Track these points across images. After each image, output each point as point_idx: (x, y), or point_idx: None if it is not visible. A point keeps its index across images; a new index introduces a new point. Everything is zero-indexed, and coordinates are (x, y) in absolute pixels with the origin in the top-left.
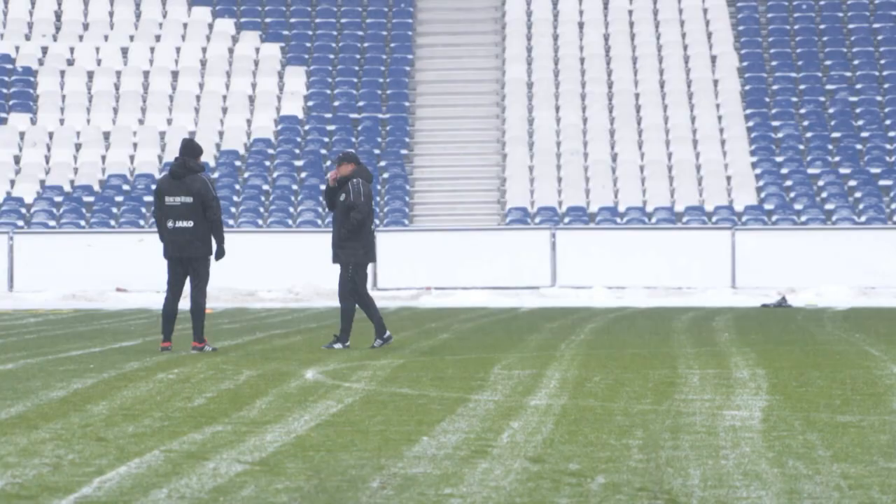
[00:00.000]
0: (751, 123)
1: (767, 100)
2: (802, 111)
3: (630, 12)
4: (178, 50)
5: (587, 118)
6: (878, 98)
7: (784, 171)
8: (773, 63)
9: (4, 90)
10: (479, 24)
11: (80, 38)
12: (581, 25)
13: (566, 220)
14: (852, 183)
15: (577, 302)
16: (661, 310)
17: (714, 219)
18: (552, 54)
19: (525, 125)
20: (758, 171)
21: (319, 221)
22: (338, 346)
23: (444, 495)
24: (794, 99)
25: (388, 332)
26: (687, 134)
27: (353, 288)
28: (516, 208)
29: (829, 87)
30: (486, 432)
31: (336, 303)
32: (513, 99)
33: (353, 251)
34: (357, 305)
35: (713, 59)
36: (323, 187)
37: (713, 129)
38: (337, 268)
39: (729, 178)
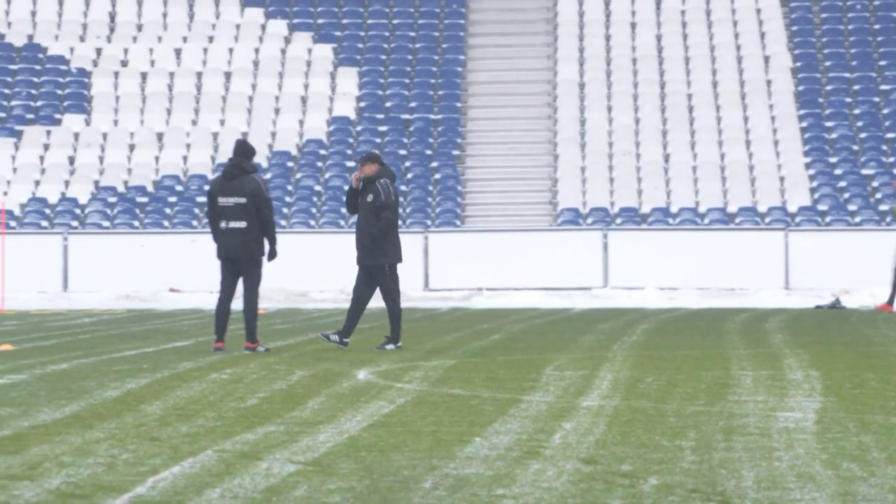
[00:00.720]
0: (804, 124)
1: (821, 100)
2: (856, 111)
3: (683, 13)
4: (230, 51)
5: (639, 119)
6: None
7: (838, 171)
8: (827, 63)
9: (59, 91)
10: (531, 25)
11: (134, 39)
12: (633, 26)
13: (618, 220)
14: None
15: (629, 303)
16: (714, 311)
17: (767, 220)
18: (604, 55)
19: (577, 126)
20: (811, 171)
21: None
22: (389, 346)
23: (496, 496)
24: (848, 99)
25: (348, 340)
26: (740, 134)
27: (392, 286)
28: (568, 209)
29: (883, 87)
30: (539, 433)
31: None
32: (565, 99)
33: (386, 251)
34: (356, 302)
35: (766, 59)
36: (347, 187)
37: (766, 129)
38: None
39: (782, 179)
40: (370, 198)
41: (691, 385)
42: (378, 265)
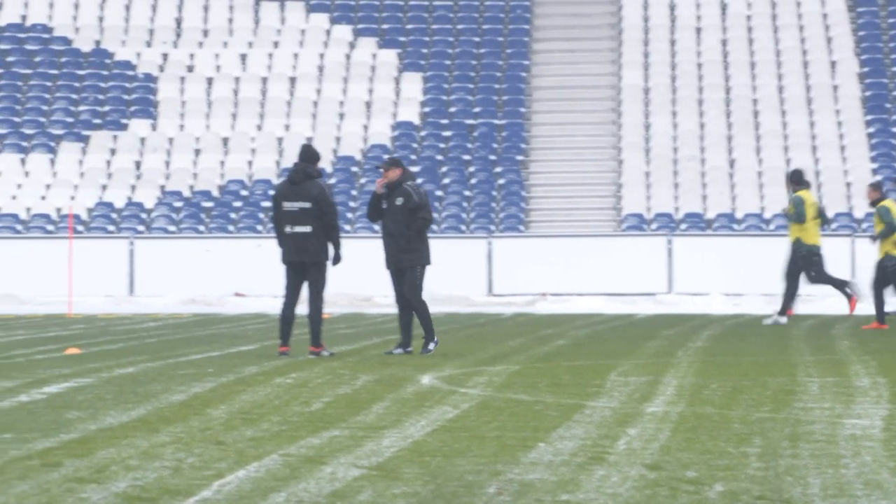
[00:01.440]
0: (871, 129)
1: (888, 105)
2: None
3: (748, 17)
4: (296, 56)
5: (704, 124)
6: None
7: None
8: (895, 69)
9: (126, 97)
10: (595, 30)
11: (200, 44)
12: (699, 31)
13: (682, 226)
14: None
15: (694, 309)
16: None
17: (833, 225)
18: (669, 60)
19: (641, 131)
20: (878, 177)
21: (435, 227)
22: (431, 346)
23: (560, 501)
24: None
25: (411, 348)
26: (806, 140)
27: (420, 287)
28: (632, 214)
29: None
30: (603, 439)
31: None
32: (629, 105)
33: (420, 253)
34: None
35: (833, 64)
36: (380, 189)
37: (832, 135)
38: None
39: (848, 185)
40: (400, 200)
41: (757, 391)
42: (412, 266)
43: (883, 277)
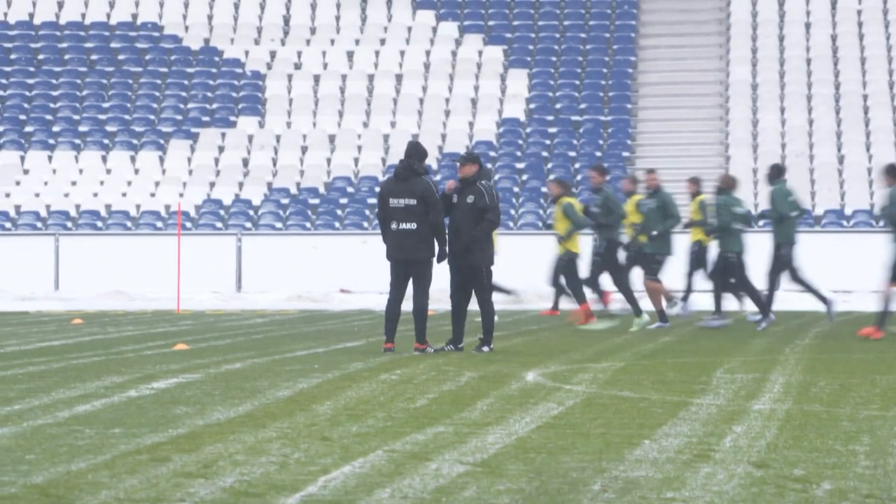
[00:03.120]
0: None
1: None
2: None
3: (859, 12)
4: (402, 53)
5: (813, 120)
6: None
7: None
8: None
9: (234, 94)
10: (703, 26)
11: (308, 42)
12: (808, 26)
13: None
14: None
15: (802, 306)
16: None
17: None
18: (778, 55)
19: (749, 127)
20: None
21: (540, 224)
22: (486, 349)
23: (665, 499)
24: None
25: (462, 345)
26: None
27: (489, 289)
28: None
29: None
30: (709, 436)
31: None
32: (737, 100)
33: (484, 254)
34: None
35: None
36: (450, 190)
37: None
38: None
39: None
40: (471, 199)
41: (865, 389)
42: (477, 267)
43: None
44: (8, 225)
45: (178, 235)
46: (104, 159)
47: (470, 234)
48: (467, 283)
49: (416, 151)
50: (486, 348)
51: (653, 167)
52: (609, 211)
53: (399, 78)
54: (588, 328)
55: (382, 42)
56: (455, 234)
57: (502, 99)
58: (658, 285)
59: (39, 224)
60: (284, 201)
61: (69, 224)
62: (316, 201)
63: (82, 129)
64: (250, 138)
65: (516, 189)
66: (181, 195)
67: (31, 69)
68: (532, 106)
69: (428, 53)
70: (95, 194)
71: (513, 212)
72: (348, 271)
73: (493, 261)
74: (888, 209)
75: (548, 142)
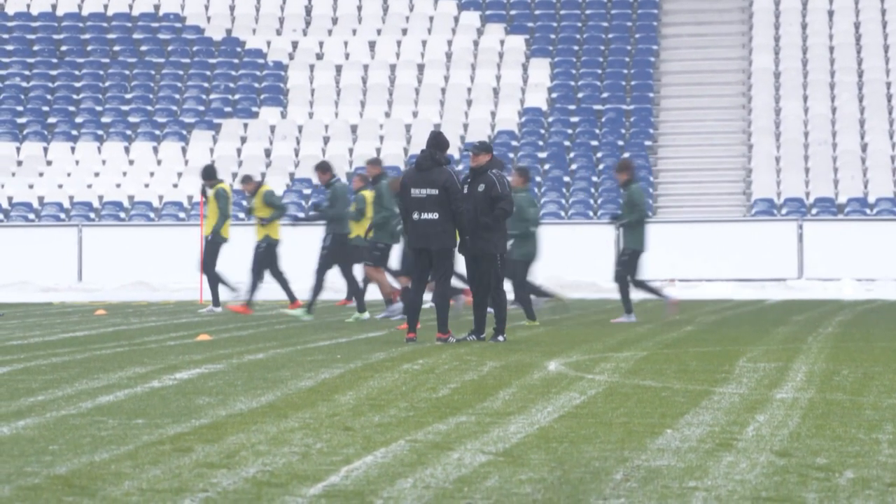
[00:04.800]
0: None
1: None
2: None
3: None
4: (423, 43)
5: (836, 108)
6: None
7: None
8: None
9: (256, 84)
10: (725, 14)
11: (329, 32)
12: (831, 14)
13: (813, 211)
14: None
15: (825, 294)
16: None
17: None
18: (800, 43)
19: (772, 115)
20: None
21: (563, 213)
22: (500, 338)
23: (688, 488)
24: None
25: (483, 335)
26: None
27: (500, 279)
28: (762, 199)
29: None
30: (731, 425)
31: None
32: (759, 88)
33: (496, 242)
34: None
35: None
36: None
37: None
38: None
39: None
40: (482, 187)
41: (889, 377)
42: (490, 253)
43: (264, 260)
44: (31, 216)
45: (200, 226)
46: (127, 150)
47: (481, 222)
48: (480, 271)
49: (437, 141)
50: (500, 338)
51: (376, 158)
52: (336, 205)
53: (421, 68)
54: (293, 313)
55: (404, 32)
56: (469, 221)
57: (524, 88)
58: (378, 273)
59: (63, 215)
60: (307, 191)
61: (92, 215)
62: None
63: (105, 120)
64: (272, 129)
65: (538, 178)
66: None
67: (54, 61)
68: (554, 95)
69: (450, 43)
70: (118, 185)
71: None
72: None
73: (504, 249)
74: None
75: (570, 131)
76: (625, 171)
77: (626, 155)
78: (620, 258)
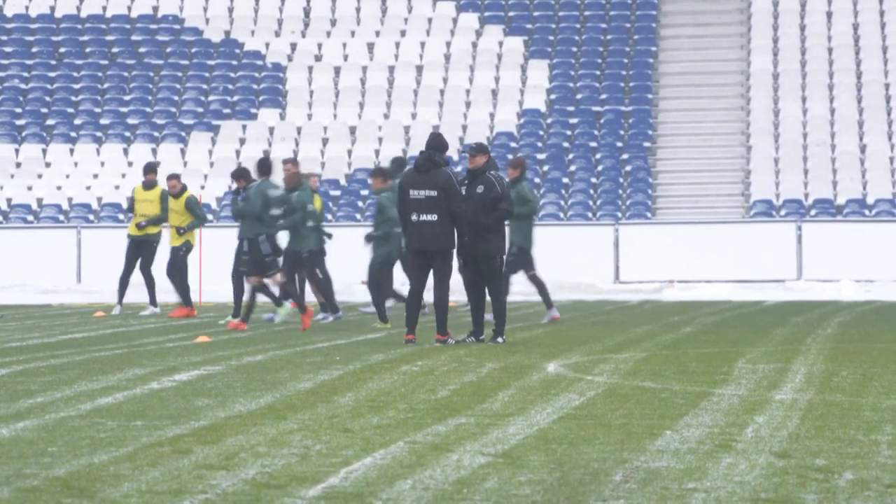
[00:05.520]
0: None
1: None
2: None
3: (881, 1)
4: (422, 45)
5: (835, 109)
6: None
7: None
8: None
9: (255, 86)
10: (724, 16)
11: (328, 33)
12: (829, 15)
13: (812, 212)
14: None
15: (824, 295)
16: None
17: None
18: (799, 45)
19: (770, 116)
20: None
21: (562, 214)
22: (500, 339)
23: (687, 490)
24: None
25: (483, 336)
26: None
27: (501, 279)
28: (761, 200)
29: None
30: (730, 427)
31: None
32: (758, 90)
33: (498, 243)
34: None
35: None
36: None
37: None
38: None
39: None
40: (480, 189)
41: (888, 379)
42: (491, 255)
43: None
44: (30, 218)
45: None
46: (126, 152)
47: (481, 224)
48: (480, 273)
49: (437, 143)
50: (499, 339)
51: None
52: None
53: (420, 69)
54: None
55: (403, 33)
56: (467, 222)
57: (523, 90)
58: (258, 281)
59: (61, 217)
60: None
61: (91, 217)
62: (337, 193)
63: (104, 121)
64: (271, 130)
65: (537, 180)
66: (203, 187)
67: (53, 62)
68: (553, 97)
69: (448, 44)
70: (117, 187)
71: None
72: (365, 264)
73: (503, 250)
74: None
75: (569, 132)
76: (518, 167)
77: (625, 157)
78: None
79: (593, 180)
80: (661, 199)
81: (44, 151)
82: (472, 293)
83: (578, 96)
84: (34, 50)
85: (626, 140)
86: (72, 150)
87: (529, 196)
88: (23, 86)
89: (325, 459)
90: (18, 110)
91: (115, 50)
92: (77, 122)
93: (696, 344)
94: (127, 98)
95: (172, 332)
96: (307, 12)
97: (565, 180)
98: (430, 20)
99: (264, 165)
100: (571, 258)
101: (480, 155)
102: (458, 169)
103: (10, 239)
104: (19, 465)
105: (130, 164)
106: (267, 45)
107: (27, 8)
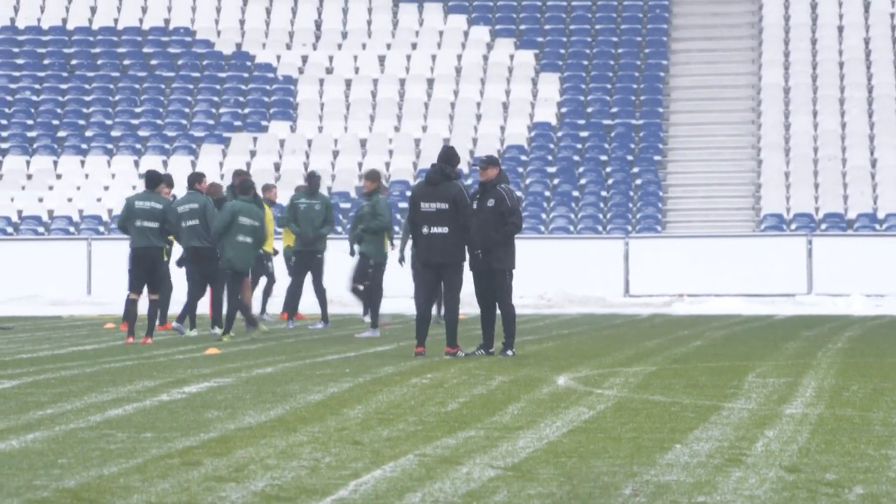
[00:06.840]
0: None
1: None
2: None
3: (892, 15)
4: (433, 58)
5: (846, 123)
6: None
7: None
8: None
9: (266, 98)
10: (735, 30)
11: (339, 46)
12: (840, 29)
13: (823, 226)
14: None
15: (835, 310)
16: None
17: None
18: (810, 59)
19: (781, 130)
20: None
21: (572, 228)
22: (510, 353)
23: (697, 503)
24: None
25: (493, 349)
26: None
27: (510, 291)
28: (771, 214)
29: None
30: (740, 441)
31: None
32: (769, 104)
33: (508, 257)
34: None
35: None
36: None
37: None
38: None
39: None
40: (491, 202)
41: None
42: (501, 269)
43: None
44: (41, 230)
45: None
46: (136, 164)
47: (490, 238)
48: (490, 286)
49: (448, 156)
50: (509, 352)
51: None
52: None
53: (430, 82)
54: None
55: (414, 46)
56: (476, 236)
57: (534, 103)
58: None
59: (72, 229)
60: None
61: (101, 229)
62: (347, 206)
63: (115, 133)
64: (282, 142)
65: (547, 193)
66: None
67: (64, 74)
68: (563, 110)
69: (459, 58)
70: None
71: (544, 216)
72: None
73: (514, 264)
74: None
75: (579, 145)
76: (375, 180)
77: (636, 170)
78: (367, 268)
79: (604, 193)
80: (672, 212)
81: (55, 163)
82: (482, 306)
83: (589, 109)
84: (46, 62)
85: (636, 153)
86: (83, 162)
87: (382, 211)
88: (34, 98)
89: (335, 472)
90: (30, 122)
91: (126, 62)
92: (88, 133)
93: (706, 358)
94: (138, 110)
95: (182, 344)
96: (318, 25)
97: (575, 193)
98: (441, 33)
99: (246, 185)
100: (581, 271)
101: (492, 167)
102: (469, 182)
103: (21, 250)
104: (29, 476)
105: (141, 176)
106: (278, 57)
107: (39, 20)
